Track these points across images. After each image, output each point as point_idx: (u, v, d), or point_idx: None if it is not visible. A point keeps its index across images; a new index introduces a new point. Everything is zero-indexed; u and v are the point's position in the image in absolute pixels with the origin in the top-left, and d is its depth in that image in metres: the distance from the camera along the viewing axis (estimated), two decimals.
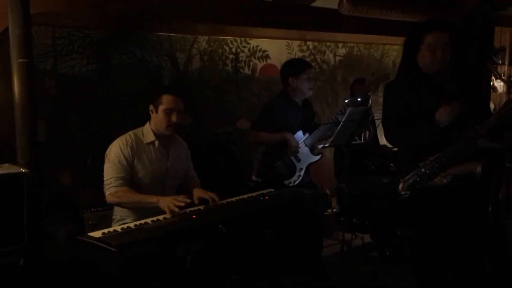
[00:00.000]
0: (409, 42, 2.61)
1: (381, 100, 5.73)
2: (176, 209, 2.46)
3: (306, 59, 3.80)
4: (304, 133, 3.63)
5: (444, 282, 2.64)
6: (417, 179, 2.51)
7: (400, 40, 5.51)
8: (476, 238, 2.70)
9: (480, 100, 2.62)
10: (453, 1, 4.67)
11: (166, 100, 2.72)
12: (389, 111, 2.69)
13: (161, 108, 2.73)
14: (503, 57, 6.32)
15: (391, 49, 5.81)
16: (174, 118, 2.74)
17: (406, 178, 2.54)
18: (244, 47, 4.68)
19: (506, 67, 6.35)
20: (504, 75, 6.32)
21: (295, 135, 3.58)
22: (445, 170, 2.47)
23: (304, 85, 3.54)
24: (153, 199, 2.57)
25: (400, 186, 2.58)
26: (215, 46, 4.51)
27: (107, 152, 2.75)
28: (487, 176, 2.45)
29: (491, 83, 5.93)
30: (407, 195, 2.55)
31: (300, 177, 3.59)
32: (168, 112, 2.73)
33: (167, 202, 2.48)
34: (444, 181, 2.48)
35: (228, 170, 4.40)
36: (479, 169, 2.40)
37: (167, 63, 4.26)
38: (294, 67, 3.59)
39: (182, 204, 2.48)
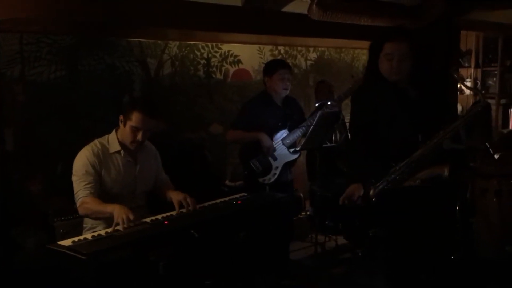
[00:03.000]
0: (371, 50, 2.65)
1: None
2: (121, 227, 2.37)
3: (288, 64, 3.86)
4: (284, 132, 3.67)
5: (415, 280, 2.70)
6: (387, 185, 2.56)
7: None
8: (445, 236, 2.77)
9: (445, 105, 2.68)
10: (419, 6, 4.78)
11: (135, 118, 2.67)
12: (354, 120, 2.74)
13: (129, 123, 2.69)
14: (469, 60, 6.51)
15: (361, 53, 5.91)
16: (139, 137, 2.71)
17: (377, 184, 2.58)
18: (216, 52, 4.70)
19: (472, 69, 6.53)
20: (470, 78, 6.51)
21: (277, 134, 3.62)
22: (414, 175, 2.52)
23: (278, 85, 3.60)
24: (108, 208, 2.51)
25: (371, 192, 2.62)
26: (186, 52, 4.51)
27: (74, 164, 2.69)
28: (454, 178, 2.53)
29: (458, 86, 6.09)
30: (377, 201, 2.60)
31: (276, 176, 3.62)
32: (134, 130, 2.70)
33: (121, 214, 2.41)
34: (413, 184, 2.54)
35: (202, 175, 4.40)
36: (446, 172, 2.47)
37: (137, 69, 4.24)
38: (268, 67, 3.69)
39: (131, 222, 2.41)
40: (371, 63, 2.64)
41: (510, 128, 6.35)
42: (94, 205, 2.58)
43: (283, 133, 3.66)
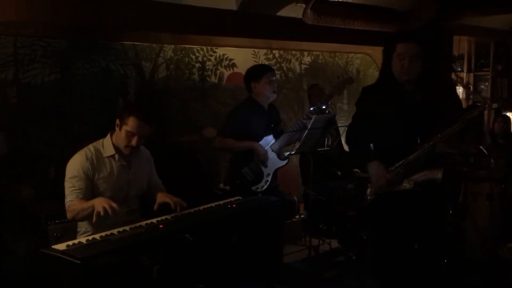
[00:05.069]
0: (385, 51, 2.73)
1: (346, 107, 5.90)
2: (102, 212, 2.38)
3: (272, 67, 3.84)
4: (271, 139, 3.65)
5: (407, 282, 2.72)
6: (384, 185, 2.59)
7: (363, 48, 5.68)
8: (436, 240, 2.80)
9: (448, 107, 2.73)
10: (411, 11, 4.82)
11: (131, 123, 2.67)
12: (358, 114, 2.79)
13: (125, 128, 2.69)
14: (461, 65, 6.57)
15: (355, 57, 5.93)
16: (134, 142, 2.71)
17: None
18: (211, 55, 4.70)
19: (465, 74, 6.59)
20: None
21: (264, 140, 3.60)
22: (409, 176, 2.56)
23: (266, 89, 3.56)
24: (89, 202, 2.52)
25: (368, 191, 2.66)
26: (181, 55, 4.51)
27: (66, 168, 2.69)
28: (446, 181, 2.56)
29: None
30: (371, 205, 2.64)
31: (268, 183, 3.60)
32: (129, 135, 2.70)
33: (101, 203, 2.42)
34: (408, 186, 2.57)
35: (195, 178, 4.40)
36: (439, 175, 2.50)
37: (132, 72, 4.23)
38: (254, 72, 3.63)
39: (114, 207, 2.41)
40: (384, 63, 2.72)
41: None
42: (79, 205, 2.58)
43: (270, 140, 3.63)
